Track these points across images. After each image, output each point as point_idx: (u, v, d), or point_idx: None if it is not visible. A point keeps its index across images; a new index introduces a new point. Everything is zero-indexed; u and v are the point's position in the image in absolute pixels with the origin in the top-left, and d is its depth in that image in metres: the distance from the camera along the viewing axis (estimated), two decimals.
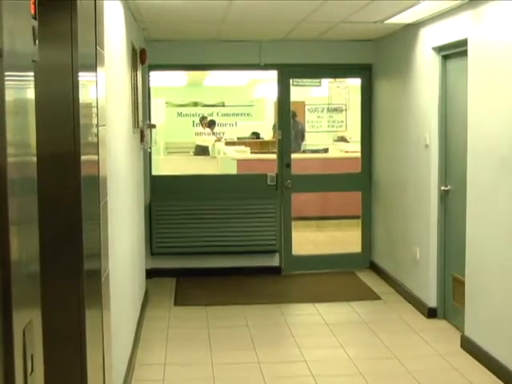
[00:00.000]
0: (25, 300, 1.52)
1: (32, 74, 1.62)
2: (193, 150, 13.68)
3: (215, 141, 13.44)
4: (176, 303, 6.50)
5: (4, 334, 1.38)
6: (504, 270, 4.59)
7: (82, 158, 2.63)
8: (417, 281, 6.26)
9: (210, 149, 13.38)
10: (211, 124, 14.10)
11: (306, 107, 8.10)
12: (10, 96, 1.40)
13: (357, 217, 7.99)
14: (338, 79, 8.33)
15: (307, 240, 9.00)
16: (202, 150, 13.24)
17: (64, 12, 2.54)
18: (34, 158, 1.63)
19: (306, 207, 9.24)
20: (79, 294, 2.63)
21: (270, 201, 7.49)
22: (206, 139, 13.57)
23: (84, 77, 2.70)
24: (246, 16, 5.83)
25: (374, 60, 7.50)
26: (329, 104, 8.14)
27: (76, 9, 2.57)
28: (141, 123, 6.13)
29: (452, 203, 5.72)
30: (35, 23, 1.66)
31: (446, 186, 5.77)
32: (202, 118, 14.33)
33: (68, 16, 2.55)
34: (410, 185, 6.43)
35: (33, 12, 1.64)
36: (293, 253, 7.67)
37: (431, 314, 5.92)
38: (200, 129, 14.00)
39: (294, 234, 7.69)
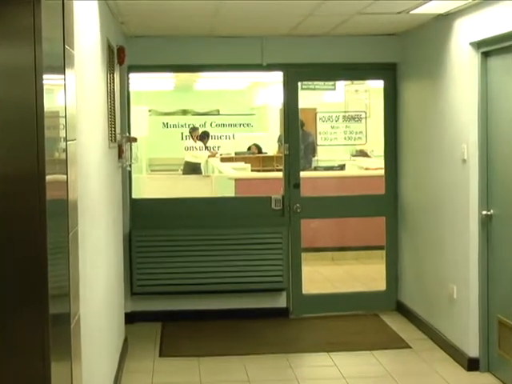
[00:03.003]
0: None
1: None
2: (181, 167, 13.67)
3: (208, 156, 13.44)
4: (162, 354, 6.47)
5: None
6: None
7: (48, 178, 2.62)
8: (454, 325, 6.23)
9: (202, 166, 13.39)
10: (204, 136, 14.07)
11: (318, 115, 8.11)
12: None
13: (380, 247, 7.97)
14: (355, 81, 8.35)
15: (320, 276, 8.98)
16: (192, 168, 13.24)
17: (25, 4, 2.55)
18: None
19: (319, 236, 9.22)
20: (44, 343, 2.62)
21: (276, 229, 7.48)
22: (198, 155, 13.56)
23: (50, 80, 2.71)
24: (243, 7, 5.85)
25: (399, 58, 7.52)
26: (345, 111, 8.15)
27: (40, 0, 2.58)
28: (119, 136, 6.13)
29: (496, 231, 5.70)
30: None
31: (489, 210, 5.76)
32: (193, 130, 14.32)
33: (30, 9, 2.56)
34: (444, 208, 6.42)
35: None
36: (303, 291, 7.64)
37: (472, 365, 5.88)
38: (190, 142, 13.97)
39: (304, 269, 7.68)
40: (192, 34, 7.20)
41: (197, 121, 14.77)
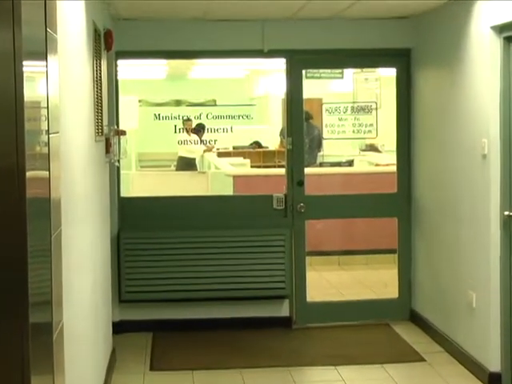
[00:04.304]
0: None
1: None
2: (175, 163, 13.69)
3: (204, 151, 13.44)
4: (152, 367, 6.47)
5: None
6: None
7: (28, 174, 2.61)
8: (473, 336, 6.23)
9: (197, 162, 13.40)
10: (199, 129, 14.07)
11: (324, 106, 8.11)
12: None
13: (392, 251, 7.97)
14: (365, 69, 8.34)
15: (326, 282, 8.98)
16: (186, 164, 13.24)
17: None
18: None
19: (325, 239, 9.22)
20: (23, 355, 2.61)
21: (278, 230, 7.48)
22: (192, 149, 13.55)
23: (30, 67, 2.70)
24: None
25: (413, 44, 7.52)
26: (354, 102, 8.15)
27: None
28: (106, 129, 6.13)
29: None
30: None
31: (511, 211, 5.76)
32: (187, 122, 14.35)
33: None
34: (462, 208, 6.42)
35: None
36: (307, 299, 7.65)
37: (494, 380, 5.88)
38: (184, 135, 13.98)
39: (308, 274, 7.68)
40: (186, 17, 7.19)
41: (191, 112, 14.74)
